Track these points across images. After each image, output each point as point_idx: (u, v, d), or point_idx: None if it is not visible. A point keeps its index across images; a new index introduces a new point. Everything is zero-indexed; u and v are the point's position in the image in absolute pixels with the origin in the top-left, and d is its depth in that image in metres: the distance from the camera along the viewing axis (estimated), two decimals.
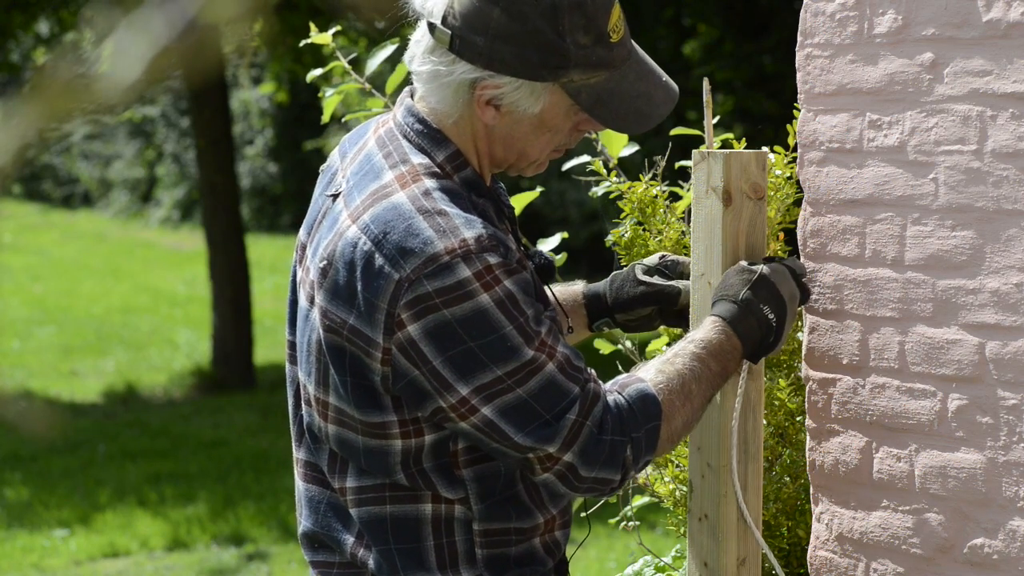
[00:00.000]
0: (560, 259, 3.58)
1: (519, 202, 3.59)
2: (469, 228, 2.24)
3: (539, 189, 3.61)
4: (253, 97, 26.31)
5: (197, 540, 8.11)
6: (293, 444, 2.47)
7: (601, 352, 3.58)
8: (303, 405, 2.40)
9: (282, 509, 8.59)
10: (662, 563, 3.40)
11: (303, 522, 2.46)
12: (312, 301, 2.32)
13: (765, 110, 16.10)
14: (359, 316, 2.24)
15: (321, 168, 2.54)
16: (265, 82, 20.52)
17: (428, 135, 2.36)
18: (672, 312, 2.77)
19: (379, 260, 2.22)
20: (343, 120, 3.92)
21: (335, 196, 2.36)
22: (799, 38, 2.79)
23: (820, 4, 2.75)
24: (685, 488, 3.06)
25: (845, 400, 2.75)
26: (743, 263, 2.58)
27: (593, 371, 2.37)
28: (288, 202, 27.22)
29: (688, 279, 2.75)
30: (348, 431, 2.33)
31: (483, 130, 2.37)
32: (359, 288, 2.23)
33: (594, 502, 3.56)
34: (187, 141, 27.08)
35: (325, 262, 2.28)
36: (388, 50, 3.61)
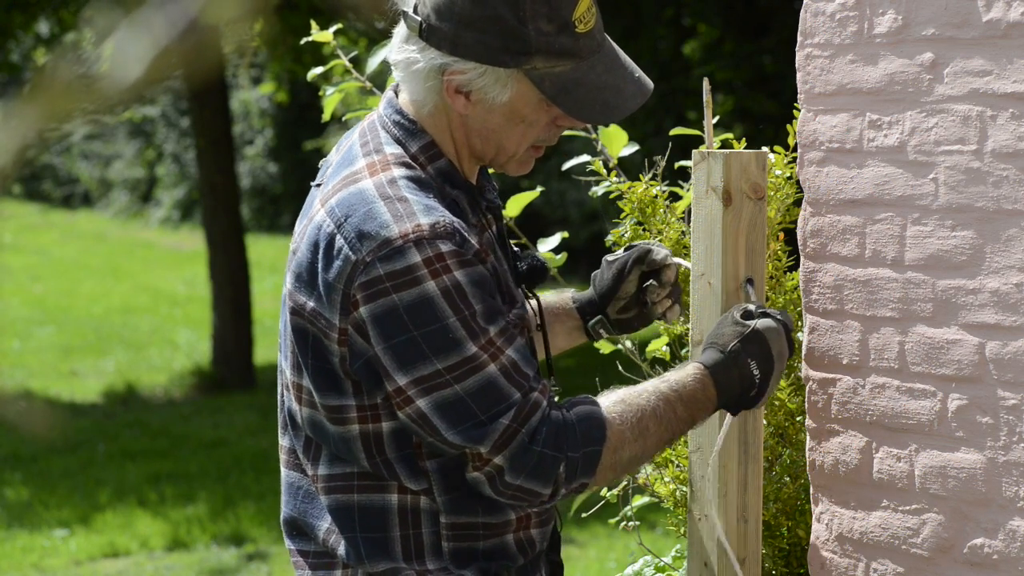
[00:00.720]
0: (560, 259, 3.58)
1: (519, 202, 3.59)
2: (427, 215, 2.27)
3: (539, 189, 3.61)
4: (253, 97, 26.31)
5: (197, 540, 8.11)
6: (279, 431, 2.51)
7: (601, 352, 3.58)
8: (284, 391, 2.45)
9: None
10: (662, 563, 3.40)
11: (284, 508, 2.49)
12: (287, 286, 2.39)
13: (765, 110, 16.10)
14: (318, 298, 2.28)
15: (320, 163, 2.58)
16: (265, 82, 20.52)
17: (404, 126, 2.40)
18: (661, 290, 2.76)
19: (339, 242, 2.27)
20: (343, 119, 3.92)
21: (319, 185, 2.43)
22: (799, 38, 2.79)
23: (820, 4, 2.76)
24: (685, 488, 3.06)
25: (845, 400, 2.75)
26: (737, 314, 2.54)
27: (545, 383, 2.36)
28: (288, 202, 27.21)
29: (658, 256, 2.76)
30: (318, 414, 2.37)
31: (458, 120, 2.40)
32: (319, 269, 2.28)
33: (593, 502, 3.56)
34: (187, 141, 27.08)
35: (295, 245, 2.35)
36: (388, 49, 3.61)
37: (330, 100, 3.67)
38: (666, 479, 3.14)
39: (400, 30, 2.41)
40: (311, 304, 2.30)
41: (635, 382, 3.40)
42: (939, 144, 2.60)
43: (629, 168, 3.49)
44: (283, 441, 2.48)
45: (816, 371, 2.79)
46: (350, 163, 2.37)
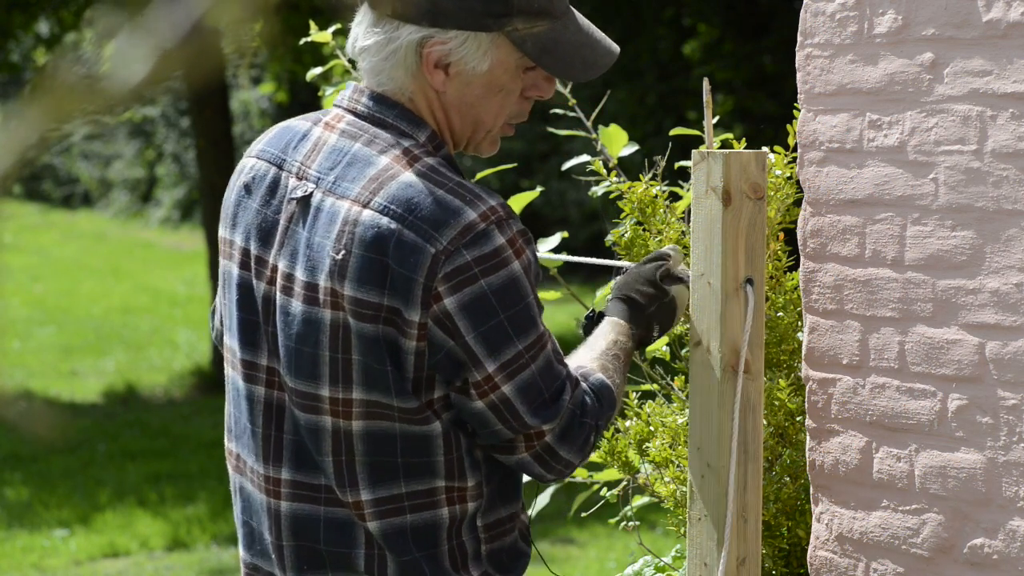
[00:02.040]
0: (560, 259, 3.58)
1: (519, 202, 3.59)
2: (491, 196, 2.24)
3: (539, 189, 3.61)
4: (253, 97, 26.30)
5: (197, 540, 8.11)
6: (262, 465, 2.34)
7: None
8: (297, 417, 2.30)
9: None
10: (662, 563, 3.40)
11: (277, 541, 2.34)
12: (316, 302, 2.24)
13: (765, 110, 16.10)
14: (394, 295, 2.19)
15: (242, 183, 2.40)
16: (265, 82, 20.52)
17: (404, 117, 2.32)
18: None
19: (410, 236, 2.18)
20: None
21: (305, 198, 2.29)
22: (799, 38, 2.79)
23: (820, 4, 2.76)
24: (685, 488, 3.06)
25: (845, 400, 2.75)
26: (658, 275, 2.62)
27: None
28: None
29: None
30: (384, 422, 2.25)
31: (436, 100, 2.33)
32: (391, 267, 2.19)
33: (593, 502, 3.56)
34: (187, 141, 27.08)
35: (343, 252, 2.20)
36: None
37: (330, 100, 3.67)
38: (666, 479, 3.14)
39: (364, 17, 2.34)
40: (385, 303, 2.19)
41: (635, 382, 3.41)
42: (939, 144, 2.60)
43: (629, 168, 3.49)
44: (281, 474, 2.31)
45: (816, 371, 2.79)
46: (367, 163, 2.26)
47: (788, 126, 3.08)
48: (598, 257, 3.01)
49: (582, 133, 3.61)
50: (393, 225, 2.19)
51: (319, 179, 2.28)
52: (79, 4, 12.93)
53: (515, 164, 4.06)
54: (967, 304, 2.57)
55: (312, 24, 3.71)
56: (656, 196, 3.23)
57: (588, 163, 3.42)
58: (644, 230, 3.22)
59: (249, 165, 2.39)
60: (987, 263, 2.55)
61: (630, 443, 3.24)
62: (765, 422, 3.03)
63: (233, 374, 2.36)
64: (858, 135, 2.71)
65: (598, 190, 3.38)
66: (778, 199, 3.09)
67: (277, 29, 12.95)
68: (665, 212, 3.22)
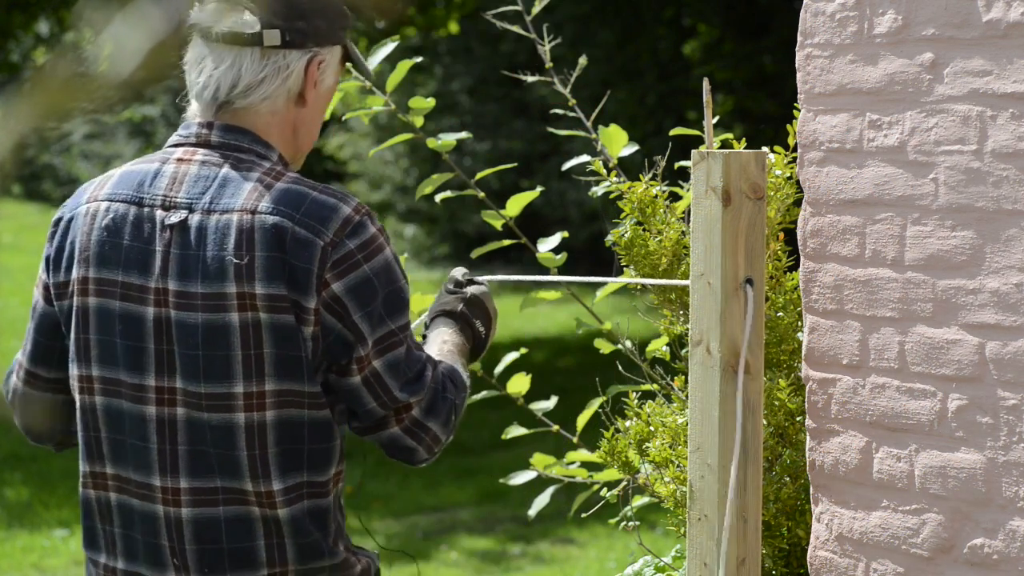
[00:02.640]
0: (560, 259, 3.58)
1: (519, 202, 3.59)
2: (352, 196, 2.48)
3: (539, 189, 3.61)
4: None
5: None
6: (158, 478, 2.46)
7: (602, 352, 3.58)
8: (197, 425, 2.43)
9: None
10: (662, 563, 3.40)
11: (179, 546, 2.45)
12: (222, 309, 2.40)
13: (765, 110, 16.10)
14: (294, 287, 2.39)
15: (102, 225, 2.50)
16: None
17: (257, 142, 2.49)
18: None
19: (301, 232, 2.39)
20: (343, 119, 3.92)
21: (181, 223, 2.43)
22: (799, 38, 2.79)
23: (820, 4, 2.75)
24: (685, 488, 3.06)
25: (845, 400, 2.75)
26: (449, 285, 2.87)
27: None
28: None
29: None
30: (294, 409, 2.43)
31: (291, 122, 2.53)
32: (289, 261, 2.39)
33: (593, 502, 3.57)
34: None
35: (247, 257, 2.38)
36: (388, 48, 3.61)
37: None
38: (666, 479, 3.14)
39: (245, 58, 2.49)
40: (289, 295, 2.39)
41: (635, 382, 3.41)
42: (939, 144, 2.60)
43: (629, 168, 3.49)
44: (183, 483, 2.44)
45: (816, 371, 2.79)
46: (240, 181, 2.44)
47: (788, 126, 3.08)
48: (598, 257, 3.01)
49: (582, 133, 3.61)
50: (285, 224, 2.39)
51: (191, 204, 2.44)
52: (79, 4, 12.92)
53: (515, 164, 4.06)
54: (967, 304, 2.57)
55: None
56: (656, 196, 3.23)
57: (588, 163, 3.42)
58: (644, 230, 3.22)
59: (103, 208, 2.50)
60: (987, 263, 2.55)
61: (630, 443, 3.24)
62: (765, 422, 3.02)
63: (110, 401, 2.48)
64: (858, 135, 2.71)
65: (598, 190, 3.38)
66: (778, 199, 3.09)
67: None
68: (665, 212, 3.22)
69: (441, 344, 2.73)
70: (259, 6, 2.47)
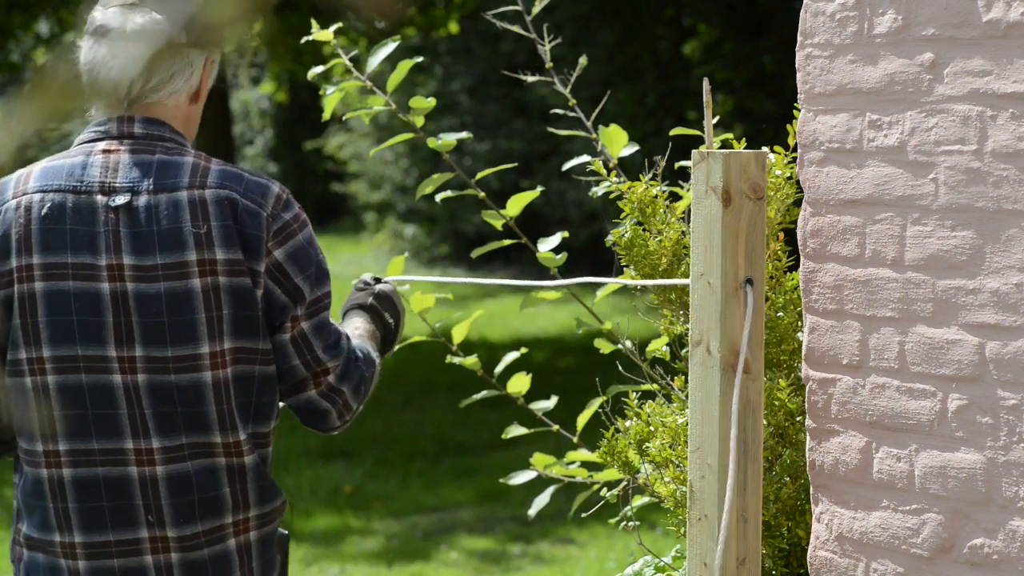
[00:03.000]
0: (560, 259, 3.58)
1: (519, 202, 3.59)
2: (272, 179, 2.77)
3: (539, 189, 3.61)
4: (253, 97, 26.30)
5: None
6: (131, 441, 2.64)
7: (602, 352, 3.58)
8: (163, 388, 2.63)
9: None
10: (662, 563, 3.40)
11: (154, 502, 2.64)
12: (184, 276, 2.63)
13: (765, 110, 16.10)
14: (247, 252, 2.64)
15: (39, 215, 2.68)
16: (265, 82, 20.52)
17: (175, 132, 2.74)
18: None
19: (247, 204, 2.66)
20: (343, 119, 3.92)
21: (127, 205, 2.65)
22: (799, 38, 2.79)
23: (820, 4, 2.76)
24: (685, 488, 3.06)
25: (845, 400, 2.75)
26: (359, 284, 3.11)
27: None
28: None
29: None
30: (247, 366, 2.67)
31: (186, 119, 2.78)
32: (241, 229, 2.65)
33: (593, 502, 3.56)
34: None
35: (205, 227, 2.63)
36: (388, 49, 3.61)
37: (330, 99, 3.68)
38: (666, 479, 3.14)
39: (166, 59, 2.72)
40: (243, 259, 2.64)
41: (635, 382, 3.41)
42: (939, 144, 2.60)
43: (629, 168, 3.49)
44: (155, 444, 2.64)
45: (816, 371, 2.79)
46: (177, 165, 2.68)
47: (788, 126, 3.08)
48: (598, 257, 3.01)
49: (582, 133, 3.61)
50: (235, 196, 2.66)
51: (133, 187, 2.65)
52: (79, 4, 12.93)
53: (515, 164, 4.06)
54: (967, 304, 2.57)
55: (313, 24, 3.72)
56: (656, 196, 3.23)
57: (588, 163, 3.42)
58: (644, 230, 3.22)
59: (37, 199, 2.68)
60: (987, 263, 2.55)
61: (630, 443, 3.24)
62: (765, 422, 3.03)
63: (66, 378, 2.64)
64: (858, 135, 2.71)
65: (598, 190, 3.38)
66: (778, 199, 3.09)
67: (277, 29, 12.95)
68: (665, 212, 3.22)
69: (353, 329, 2.98)
70: (166, 8, 2.68)
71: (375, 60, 3.62)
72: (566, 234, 3.66)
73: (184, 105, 2.75)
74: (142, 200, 2.65)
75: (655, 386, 3.39)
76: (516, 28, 3.71)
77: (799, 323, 3.08)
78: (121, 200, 2.65)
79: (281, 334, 2.69)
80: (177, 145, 2.71)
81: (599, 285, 3.40)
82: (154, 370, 2.63)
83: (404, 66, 3.54)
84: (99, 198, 2.65)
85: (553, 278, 3.57)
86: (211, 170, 2.68)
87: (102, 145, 2.70)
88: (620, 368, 3.43)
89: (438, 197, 3.67)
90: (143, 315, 2.62)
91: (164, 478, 2.64)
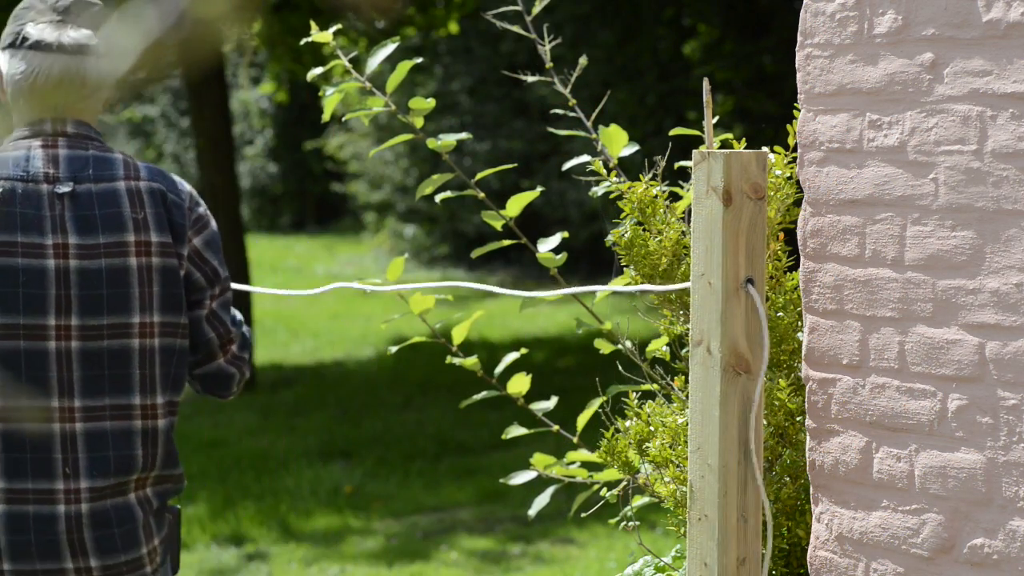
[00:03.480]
0: (560, 259, 3.58)
1: (519, 202, 3.59)
2: None
3: (539, 189, 3.61)
4: (253, 97, 26.30)
5: (197, 540, 8.11)
6: (57, 400, 2.95)
7: (602, 352, 3.58)
8: (95, 353, 2.95)
9: (282, 509, 8.60)
10: (662, 563, 3.40)
11: (72, 456, 2.94)
12: (123, 254, 2.97)
13: (765, 110, 16.10)
14: (175, 237, 3.01)
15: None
16: (265, 82, 20.51)
17: (99, 133, 3.05)
18: None
19: (172, 196, 3.03)
20: (343, 119, 3.92)
21: (71, 193, 2.98)
22: (799, 38, 2.79)
23: (820, 4, 2.76)
24: (685, 488, 3.06)
25: (845, 400, 2.75)
26: None
27: None
28: (288, 202, 27.19)
29: None
30: (171, 338, 3.02)
31: (95, 122, 3.07)
32: (169, 217, 3.02)
33: (593, 502, 3.56)
34: (187, 141, 27.07)
35: (142, 213, 2.99)
36: (388, 49, 3.61)
37: (330, 100, 3.68)
38: (666, 479, 3.14)
39: (86, 66, 3.00)
40: (170, 242, 3.00)
41: (635, 382, 3.41)
42: (939, 144, 2.60)
43: (629, 168, 3.49)
44: (77, 403, 2.95)
45: (816, 371, 2.79)
46: (112, 159, 3.03)
47: (788, 126, 3.08)
48: (598, 257, 3.01)
49: (582, 133, 3.61)
50: (163, 188, 3.03)
51: (75, 177, 2.98)
52: None
53: (515, 164, 4.06)
54: (967, 304, 2.57)
55: (313, 24, 3.72)
56: (656, 196, 3.23)
57: (588, 163, 3.42)
58: (644, 230, 3.22)
59: None
60: (987, 263, 2.55)
61: (630, 443, 3.24)
62: (765, 422, 3.03)
63: (7, 343, 2.95)
64: (858, 135, 2.72)
65: (598, 190, 3.38)
66: (778, 199, 3.09)
67: (277, 29, 12.94)
68: (665, 212, 3.22)
69: None
70: (88, 23, 3.00)
71: (375, 60, 3.62)
72: (566, 234, 3.66)
73: (99, 110, 3.07)
74: (84, 188, 3.00)
75: (655, 386, 3.39)
76: (516, 28, 3.71)
77: (799, 323, 3.08)
78: (65, 189, 2.98)
79: (199, 310, 3.07)
80: (102, 144, 3.05)
81: (599, 285, 3.40)
82: (88, 337, 2.96)
83: (404, 66, 3.54)
84: (44, 187, 2.97)
85: (553, 278, 3.57)
86: (139, 166, 3.04)
87: (38, 142, 3.01)
88: (620, 368, 3.43)
89: (438, 197, 3.67)
90: (83, 288, 2.96)
91: (83, 434, 2.95)
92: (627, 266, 3.23)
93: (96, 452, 2.97)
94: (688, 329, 3.03)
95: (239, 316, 3.21)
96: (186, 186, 3.10)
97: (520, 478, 3.70)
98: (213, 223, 3.12)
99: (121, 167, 3.03)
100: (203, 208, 3.10)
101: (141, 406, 3.00)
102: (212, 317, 3.11)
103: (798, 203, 3.06)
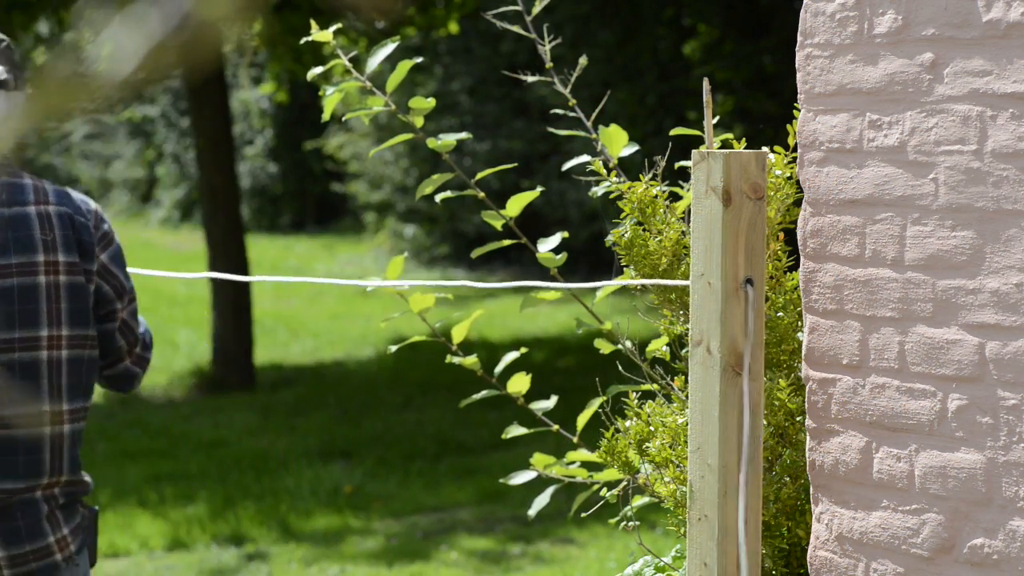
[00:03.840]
0: (560, 259, 3.58)
1: (519, 202, 3.59)
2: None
3: (539, 189, 3.61)
4: (253, 97, 26.29)
5: (197, 540, 8.11)
6: (52, 402, 3.19)
7: (602, 352, 3.58)
8: (38, 354, 3.18)
9: (282, 509, 8.60)
10: (662, 563, 3.40)
11: (5, 458, 3.15)
12: (33, 273, 3.20)
13: (765, 110, 16.10)
14: (82, 256, 3.24)
15: None
16: (265, 82, 20.51)
17: (10, 161, 3.24)
18: None
19: (79, 218, 3.26)
20: (343, 119, 3.91)
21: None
22: (799, 38, 2.79)
23: (820, 4, 2.76)
24: (685, 488, 3.06)
25: (845, 400, 2.75)
26: None
27: None
28: (288, 202, 27.19)
29: None
30: (80, 350, 3.24)
31: None
32: (77, 237, 3.24)
33: (593, 502, 3.56)
34: (187, 141, 27.06)
35: (51, 234, 3.23)
36: (388, 49, 3.61)
37: (330, 100, 3.67)
38: (666, 479, 3.14)
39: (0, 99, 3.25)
40: (78, 262, 3.23)
41: (635, 382, 3.41)
42: (939, 144, 2.60)
43: (629, 168, 3.49)
44: (65, 406, 3.19)
45: (816, 371, 2.79)
46: (22, 185, 3.26)
47: (788, 126, 3.08)
48: (598, 257, 3.01)
49: (582, 133, 3.61)
50: (71, 212, 3.26)
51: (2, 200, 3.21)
52: (79, 4, 12.91)
53: (515, 164, 4.06)
54: (967, 304, 2.57)
55: (313, 24, 3.71)
56: (656, 196, 3.23)
57: (588, 163, 3.42)
58: (644, 230, 3.22)
59: None
60: (987, 263, 2.55)
61: (630, 443, 3.24)
62: (765, 422, 3.03)
63: None
64: (858, 135, 2.71)
65: (598, 190, 3.38)
66: (778, 199, 3.09)
67: (277, 29, 12.94)
68: (665, 212, 3.22)
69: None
70: (2, 59, 3.28)
71: (375, 60, 3.62)
72: (566, 234, 3.66)
73: (14, 140, 3.25)
74: (10, 210, 3.25)
75: (655, 386, 3.39)
76: (516, 28, 3.71)
77: (799, 323, 3.07)
78: None
79: (110, 322, 3.33)
80: (14, 170, 3.29)
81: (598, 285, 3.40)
82: (2, 351, 3.18)
83: (404, 66, 3.54)
84: None
85: (553, 278, 3.57)
86: (48, 190, 3.28)
87: None
88: (620, 368, 3.43)
89: (438, 197, 3.67)
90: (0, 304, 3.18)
91: (70, 435, 3.19)
92: (627, 266, 3.23)
93: (7, 456, 3.17)
94: (688, 329, 3.03)
95: (144, 321, 3.50)
96: (92, 204, 3.34)
97: (520, 478, 3.70)
98: (117, 238, 3.36)
99: (31, 192, 3.27)
100: (108, 225, 3.35)
101: (51, 412, 3.20)
102: (123, 327, 3.37)
103: (798, 203, 3.06)
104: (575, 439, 3.67)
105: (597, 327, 3.56)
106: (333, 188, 25.13)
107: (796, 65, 2.80)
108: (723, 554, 2.75)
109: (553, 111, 3.79)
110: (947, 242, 2.59)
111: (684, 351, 3.26)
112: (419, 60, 3.65)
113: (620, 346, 3.48)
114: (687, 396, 3.00)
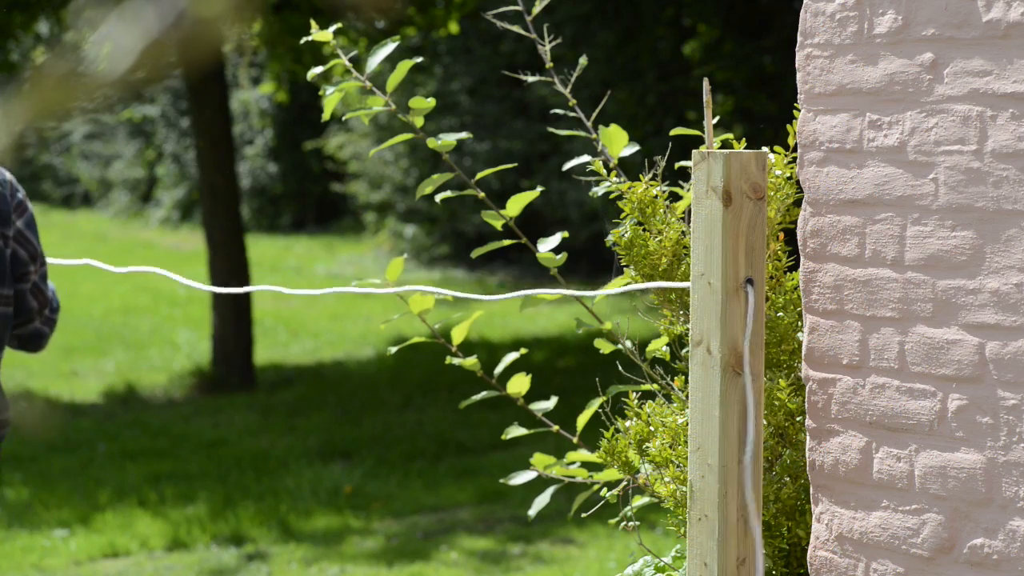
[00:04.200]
0: (560, 259, 3.58)
1: (519, 202, 3.59)
2: None
3: (539, 189, 3.61)
4: (253, 97, 26.29)
5: (197, 540, 8.11)
6: None
7: (602, 352, 3.58)
8: None
9: (282, 509, 8.59)
10: (662, 563, 3.40)
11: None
12: None
13: (765, 110, 16.10)
14: (1, 221, 3.51)
15: None
16: (265, 82, 20.51)
17: None
18: None
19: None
20: (343, 119, 3.92)
21: None
22: (799, 38, 2.79)
23: (820, 4, 2.76)
24: (685, 488, 3.06)
25: (845, 400, 2.75)
26: None
27: None
28: (288, 202, 27.18)
29: None
30: (4, 307, 3.55)
31: None
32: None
33: (593, 503, 3.56)
34: (187, 141, 27.06)
35: None
36: (388, 49, 3.61)
37: (330, 99, 3.67)
38: (666, 479, 3.14)
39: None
40: (0, 228, 3.50)
41: (635, 382, 3.41)
42: (939, 144, 2.60)
43: (629, 168, 3.49)
44: None
45: (816, 371, 2.79)
46: None
47: (788, 126, 3.08)
48: (598, 257, 3.01)
49: (582, 133, 3.61)
50: None
51: None
52: (78, 4, 12.91)
53: (515, 164, 4.06)
54: (967, 304, 2.57)
55: (313, 24, 3.71)
56: (656, 196, 3.23)
57: (588, 163, 3.42)
58: (644, 230, 3.22)
59: None
60: (987, 263, 2.55)
61: (630, 443, 3.24)
62: (765, 422, 3.02)
63: None
64: (858, 135, 2.71)
65: (598, 190, 3.38)
66: (778, 199, 3.09)
67: (277, 29, 12.94)
68: (665, 212, 3.22)
69: None
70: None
71: (375, 60, 3.62)
72: (566, 234, 3.66)
73: None
74: None
75: (655, 386, 3.39)
76: (516, 28, 3.71)
77: (799, 323, 3.07)
78: None
79: (23, 283, 3.61)
80: None
81: (599, 285, 3.39)
82: None
83: (404, 66, 3.54)
84: None
85: (553, 278, 3.56)
86: None
87: None
88: (620, 368, 3.43)
89: (438, 197, 3.67)
90: None
91: None
92: (627, 266, 3.23)
93: None
94: (688, 329, 3.03)
95: (52, 285, 3.78)
96: (7, 175, 3.59)
97: (520, 478, 3.70)
98: (31, 206, 3.64)
99: None
100: (22, 193, 3.61)
101: None
102: (35, 289, 3.66)
103: (798, 203, 3.06)
104: (575, 439, 3.67)
105: (597, 327, 3.56)
106: (333, 188, 25.13)
107: (796, 65, 2.80)
108: (723, 554, 2.75)
109: (553, 111, 3.79)
110: (947, 242, 2.59)
111: (684, 351, 3.26)
112: (419, 60, 3.65)
113: (620, 346, 3.48)
114: (687, 396, 3.00)
